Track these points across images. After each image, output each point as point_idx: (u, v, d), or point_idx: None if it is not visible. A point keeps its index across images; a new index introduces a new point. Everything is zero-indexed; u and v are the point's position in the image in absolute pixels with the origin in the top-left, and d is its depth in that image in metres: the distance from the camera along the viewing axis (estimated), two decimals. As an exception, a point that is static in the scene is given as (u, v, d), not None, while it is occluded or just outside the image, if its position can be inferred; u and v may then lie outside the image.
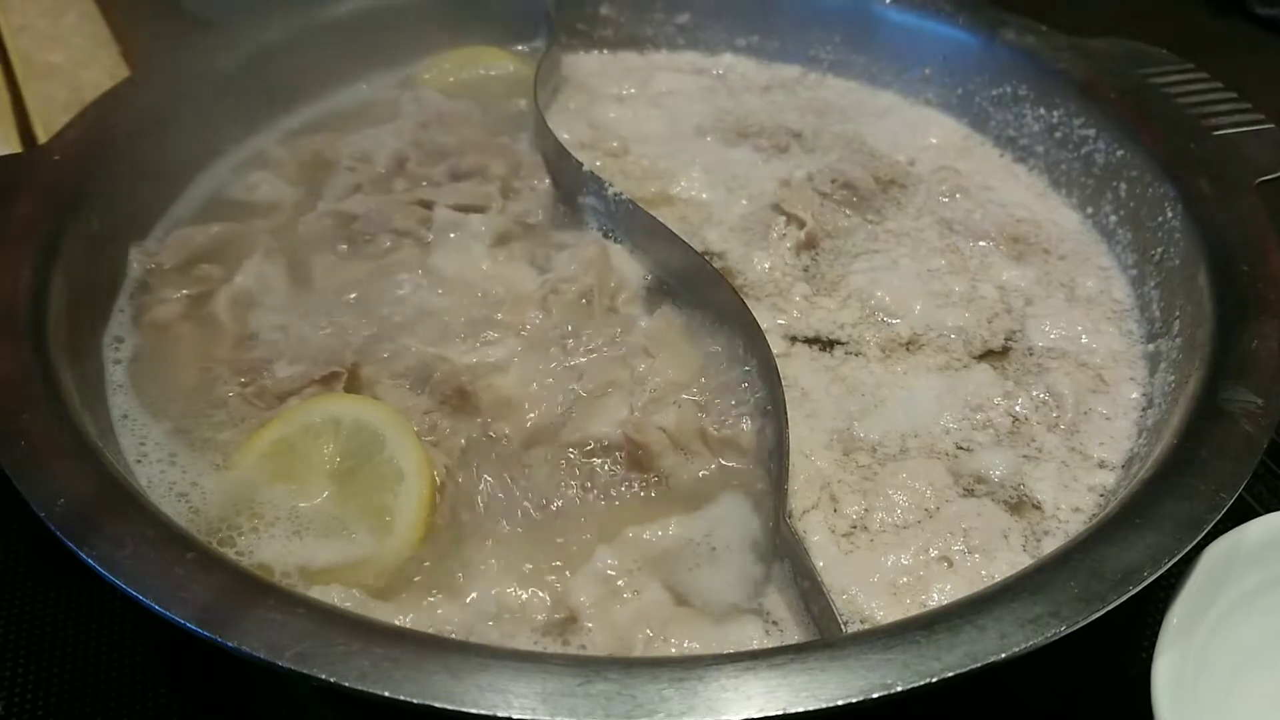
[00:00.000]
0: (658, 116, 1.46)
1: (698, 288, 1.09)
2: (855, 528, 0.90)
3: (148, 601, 0.68)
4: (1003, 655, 0.66)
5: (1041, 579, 0.71)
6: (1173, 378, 0.99)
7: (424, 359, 0.99)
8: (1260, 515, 0.86)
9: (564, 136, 1.29)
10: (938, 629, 0.67)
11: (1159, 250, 1.13)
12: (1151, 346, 1.08)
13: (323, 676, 0.63)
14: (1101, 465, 0.97)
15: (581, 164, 1.21)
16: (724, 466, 0.93)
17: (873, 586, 0.85)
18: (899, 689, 0.63)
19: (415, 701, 0.62)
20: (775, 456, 0.91)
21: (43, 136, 1.51)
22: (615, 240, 1.19)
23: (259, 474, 0.89)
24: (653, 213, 1.14)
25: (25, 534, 1.01)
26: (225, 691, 0.91)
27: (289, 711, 0.91)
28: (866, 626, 0.81)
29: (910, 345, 1.09)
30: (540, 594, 0.83)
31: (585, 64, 1.58)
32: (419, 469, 0.88)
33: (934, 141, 1.43)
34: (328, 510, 0.86)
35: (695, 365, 1.02)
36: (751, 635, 0.80)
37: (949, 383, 1.04)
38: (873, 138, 1.42)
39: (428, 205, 1.20)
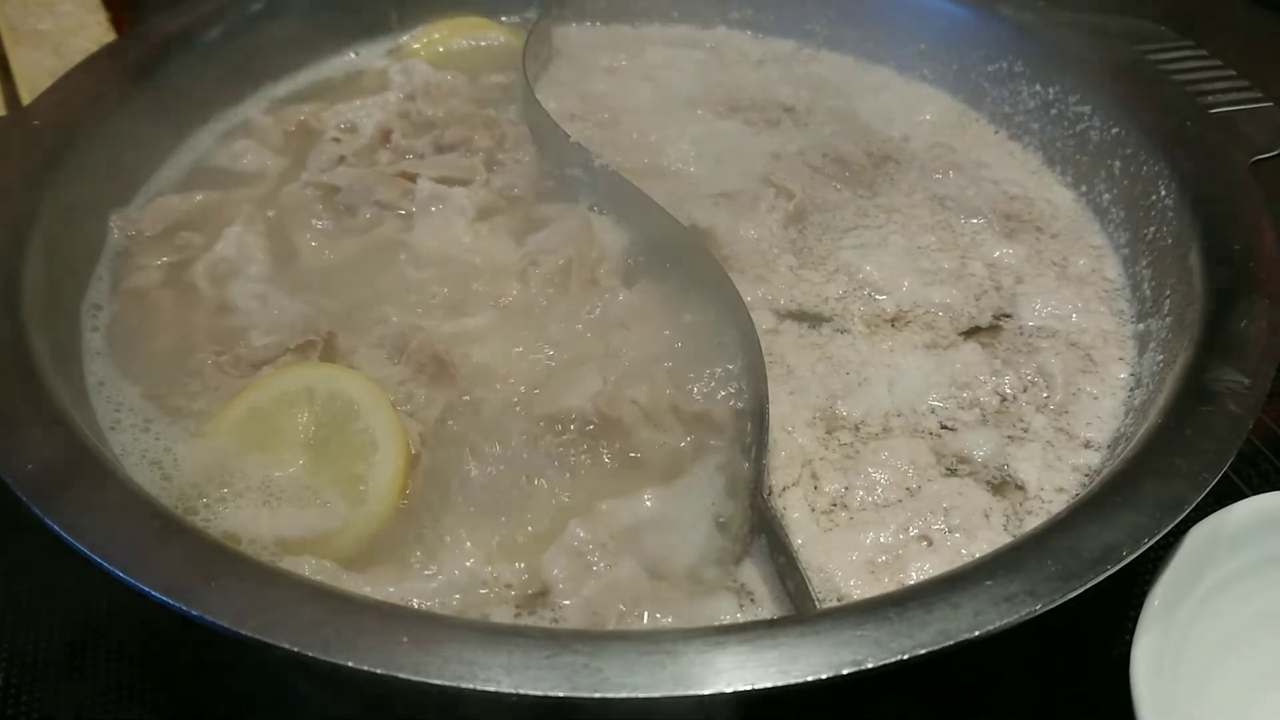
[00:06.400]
0: (649, 89, 1.44)
1: (680, 260, 1.07)
2: (835, 505, 0.89)
3: (112, 569, 0.67)
4: (977, 633, 0.65)
5: (1019, 557, 0.70)
6: (1161, 357, 0.98)
7: (401, 328, 0.98)
8: (1247, 497, 0.85)
9: (553, 108, 1.27)
10: (911, 606, 0.66)
11: (1151, 229, 1.11)
12: (1141, 326, 1.07)
13: (286, 646, 0.63)
14: (1087, 445, 0.96)
15: (569, 135, 1.19)
16: (698, 440, 0.92)
17: (851, 564, 0.84)
18: (869, 665, 0.63)
19: (380, 672, 0.62)
20: (755, 431, 0.90)
21: (29, 104, 1.49)
22: (600, 212, 1.17)
23: (232, 442, 0.88)
24: (641, 185, 1.13)
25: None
26: (204, 661, 0.91)
27: (268, 685, 0.90)
28: (841, 603, 0.80)
29: (896, 321, 1.07)
30: (512, 567, 0.82)
31: (577, 36, 1.56)
32: (393, 439, 0.87)
33: (928, 118, 1.41)
34: (300, 479, 0.86)
35: (672, 338, 1.01)
36: (726, 610, 0.79)
37: (936, 361, 1.03)
38: (866, 113, 1.40)
39: (411, 178, 1.19)
